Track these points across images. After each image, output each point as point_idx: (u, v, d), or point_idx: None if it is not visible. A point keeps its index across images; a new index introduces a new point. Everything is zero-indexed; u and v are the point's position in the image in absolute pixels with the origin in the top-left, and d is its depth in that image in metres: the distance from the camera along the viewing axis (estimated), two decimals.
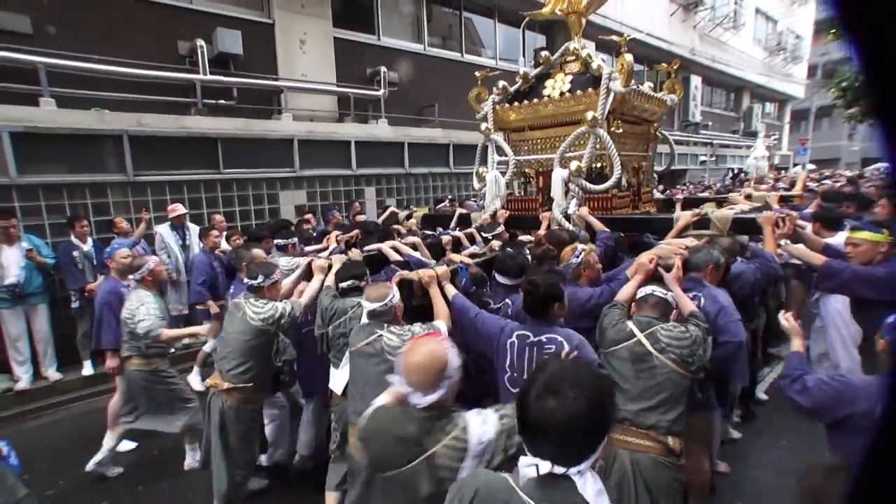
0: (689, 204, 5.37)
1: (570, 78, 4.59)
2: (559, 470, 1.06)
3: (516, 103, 4.82)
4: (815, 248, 3.24)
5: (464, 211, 5.20)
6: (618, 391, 2.13)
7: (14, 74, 5.36)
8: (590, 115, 4.09)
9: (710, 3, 16.42)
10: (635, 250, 3.45)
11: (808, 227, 3.59)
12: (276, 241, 4.02)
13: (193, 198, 6.53)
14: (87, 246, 5.06)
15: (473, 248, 3.86)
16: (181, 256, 5.51)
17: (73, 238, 4.99)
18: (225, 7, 7.06)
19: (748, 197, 5.27)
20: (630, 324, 2.23)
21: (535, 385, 1.11)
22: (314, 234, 5.38)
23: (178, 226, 5.61)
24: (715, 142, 18.75)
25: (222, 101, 6.91)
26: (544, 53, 4.98)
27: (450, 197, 9.04)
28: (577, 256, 2.96)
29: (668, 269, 2.50)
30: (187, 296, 5.37)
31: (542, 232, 3.85)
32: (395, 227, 4.90)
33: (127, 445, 3.83)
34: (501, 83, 5.07)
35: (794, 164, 23.65)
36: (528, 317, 2.32)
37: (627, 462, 2.12)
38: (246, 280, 2.91)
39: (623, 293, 2.48)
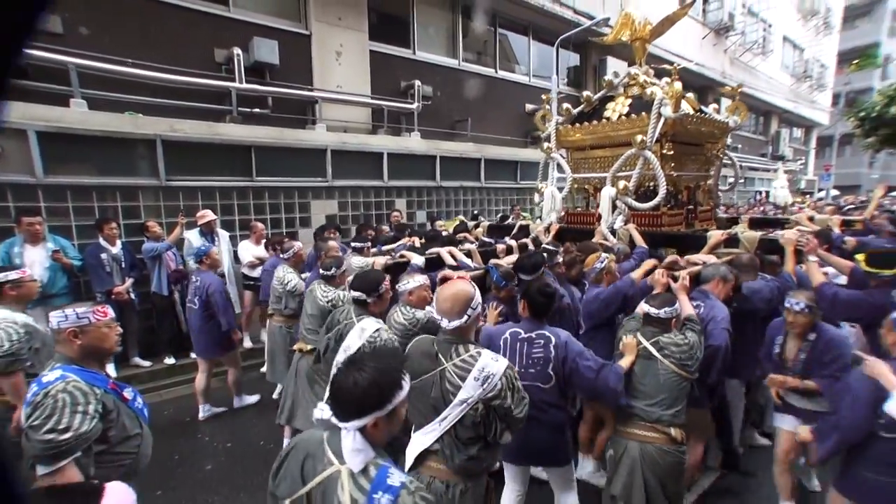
0: (755, 224, 5.47)
1: (629, 101, 4.88)
2: (335, 422, 1.30)
3: (578, 124, 5.14)
4: (842, 271, 3.43)
5: (525, 223, 5.58)
6: (629, 389, 2.53)
7: (44, 74, 5.26)
8: (639, 138, 4.40)
9: (741, 28, 16.30)
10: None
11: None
12: (352, 244, 4.51)
13: (225, 204, 6.35)
14: (116, 249, 4.88)
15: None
16: None
17: (101, 240, 4.80)
18: (262, 17, 7.02)
19: (811, 219, 5.31)
20: (639, 335, 2.62)
21: (349, 360, 1.39)
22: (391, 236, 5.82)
23: (207, 232, 5.41)
24: (744, 164, 18.35)
25: (257, 110, 6.80)
26: (607, 78, 5.32)
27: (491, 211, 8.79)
28: (601, 262, 3.40)
29: (676, 279, 2.95)
30: None
31: (575, 247, 4.12)
32: (463, 234, 5.35)
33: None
34: (566, 105, 5.43)
35: (819, 189, 23.35)
36: (524, 317, 2.62)
37: (636, 451, 2.47)
38: (321, 270, 3.53)
39: (640, 309, 2.76)
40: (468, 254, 3.96)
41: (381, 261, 3.58)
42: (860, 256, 3.16)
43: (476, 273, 3.30)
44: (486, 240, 4.94)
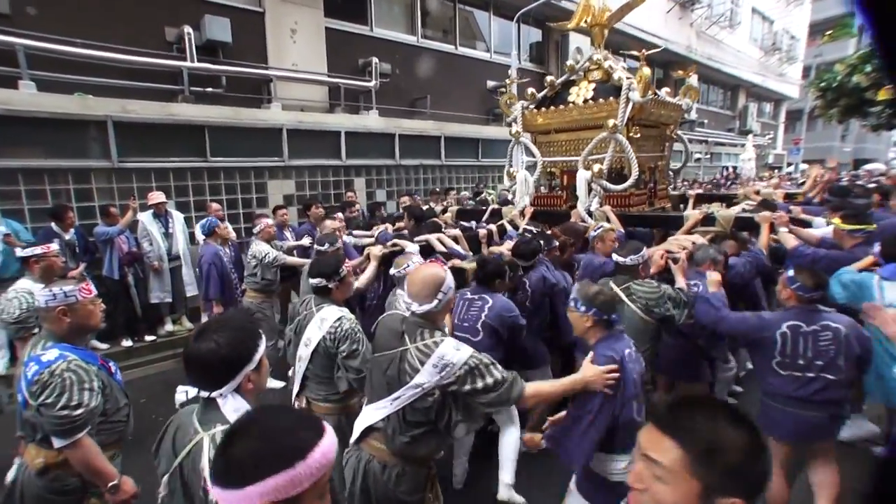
0: (700, 199, 5.95)
1: (593, 86, 5.03)
2: (205, 394, 1.32)
3: (543, 108, 5.26)
4: (811, 242, 3.62)
5: (496, 206, 5.56)
6: None
7: None
8: (610, 122, 4.54)
9: (707, 1, 16.38)
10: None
11: (818, 219, 3.99)
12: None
13: (180, 185, 6.49)
14: (69, 235, 5.00)
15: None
16: (164, 245, 5.47)
17: (53, 225, 4.93)
18: None
19: (757, 192, 5.75)
20: (610, 282, 2.84)
21: (198, 330, 1.36)
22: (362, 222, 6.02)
23: (161, 214, 5.56)
24: (710, 139, 18.79)
25: (210, 89, 6.86)
26: (569, 63, 5.43)
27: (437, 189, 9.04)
28: (596, 231, 3.70)
29: (676, 261, 3.07)
30: (170, 284, 5.38)
31: (556, 229, 4.21)
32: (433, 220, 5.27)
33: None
34: (530, 90, 5.51)
35: (788, 164, 23.83)
36: (476, 285, 3.10)
37: None
38: (317, 246, 3.54)
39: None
40: (455, 239, 3.97)
41: (376, 250, 3.47)
42: (836, 219, 3.43)
43: (469, 264, 3.37)
44: (465, 224, 4.96)
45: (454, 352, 1.78)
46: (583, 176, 4.72)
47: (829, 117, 13.16)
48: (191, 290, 5.67)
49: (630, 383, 1.93)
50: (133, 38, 6.24)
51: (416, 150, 9.41)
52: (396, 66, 9.11)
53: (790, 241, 3.55)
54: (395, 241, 3.80)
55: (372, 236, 4.72)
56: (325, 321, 2.44)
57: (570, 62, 5.43)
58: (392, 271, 3.01)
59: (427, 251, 3.71)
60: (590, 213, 4.56)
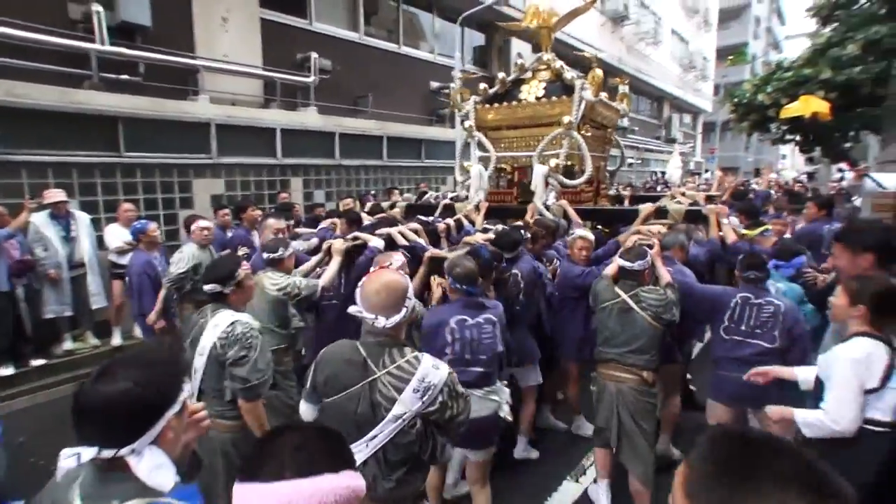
0: (635, 200, 6.35)
1: (543, 85, 5.18)
2: (108, 453, 0.97)
3: (496, 104, 5.36)
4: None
5: (448, 201, 5.46)
6: (606, 339, 2.85)
7: None
8: (566, 119, 4.69)
9: (635, 18, 17.32)
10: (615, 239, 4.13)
11: (733, 219, 4.35)
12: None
13: (86, 183, 5.73)
14: None
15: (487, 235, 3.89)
16: (62, 250, 4.71)
17: None
18: None
19: (683, 195, 6.16)
20: (617, 288, 2.84)
21: (97, 373, 1.04)
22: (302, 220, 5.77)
23: (60, 214, 4.80)
24: (641, 146, 19.87)
25: (126, 77, 6.10)
26: (519, 61, 5.60)
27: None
28: (570, 236, 3.73)
29: (651, 247, 3.08)
30: (70, 295, 4.66)
31: (528, 218, 4.29)
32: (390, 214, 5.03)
33: None
34: (482, 85, 5.58)
35: (706, 170, 25.95)
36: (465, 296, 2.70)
37: (614, 390, 2.79)
38: (264, 254, 3.10)
39: (609, 269, 3.01)
40: (416, 233, 3.78)
41: (338, 244, 3.31)
42: (746, 231, 3.98)
43: (447, 254, 3.15)
44: (424, 219, 4.74)
45: (434, 371, 1.60)
46: (539, 171, 4.72)
47: (741, 129, 14.42)
48: (98, 302, 4.94)
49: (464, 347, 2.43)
50: (25, 11, 5.35)
51: (358, 150, 9.06)
52: (338, 63, 8.68)
53: (731, 236, 3.88)
54: (356, 234, 3.65)
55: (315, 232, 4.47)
56: (217, 327, 2.25)
57: (520, 61, 5.59)
58: (373, 269, 2.78)
59: (389, 245, 3.54)
60: (547, 208, 4.58)
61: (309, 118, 8.19)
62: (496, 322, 2.57)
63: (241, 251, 4.61)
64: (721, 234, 3.94)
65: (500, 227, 4.10)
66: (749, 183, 14.88)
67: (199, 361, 2.27)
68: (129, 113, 6.01)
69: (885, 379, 1.82)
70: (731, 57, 30.57)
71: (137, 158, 6.23)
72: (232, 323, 2.24)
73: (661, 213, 4.27)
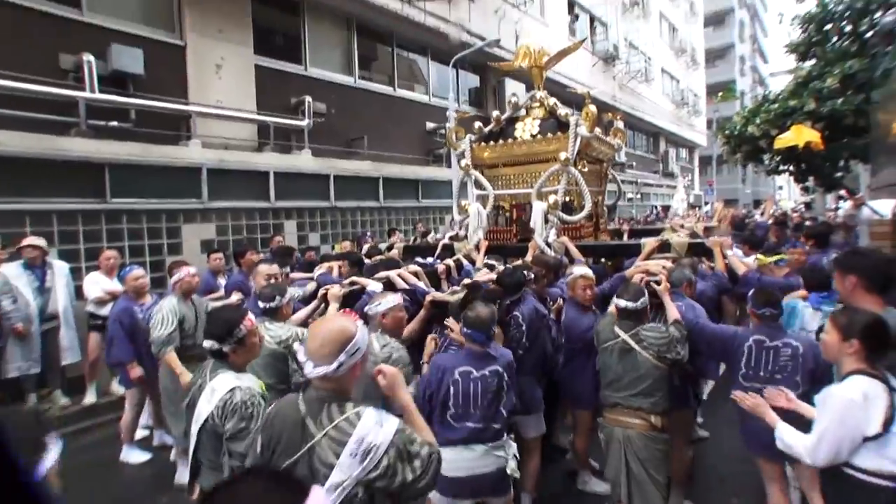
0: (634, 233, 6.40)
1: (537, 122, 5.20)
2: None
3: (492, 142, 5.35)
4: (738, 268, 3.92)
5: (447, 241, 5.39)
6: (610, 381, 2.71)
7: None
8: (563, 155, 4.68)
9: (625, 58, 17.74)
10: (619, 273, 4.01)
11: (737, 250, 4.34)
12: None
13: (67, 231, 5.55)
14: None
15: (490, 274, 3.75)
16: (34, 302, 4.41)
17: None
18: (125, 24, 6.30)
19: (682, 226, 6.42)
20: (616, 328, 2.70)
21: None
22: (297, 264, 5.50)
23: (34, 264, 4.53)
24: (639, 181, 19.91)
25: (115, 123, 6.03)
26: (513, 100, 5.63)
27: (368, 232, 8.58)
28: (566, 277, 3.53)
29: (658, 283, 2.99)
30: (39, 350, 4.33)
31: (528, 258, 4.10)
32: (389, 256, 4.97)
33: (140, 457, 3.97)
34: (477, 124, 5.61)
35: (706, 203, 26.06)
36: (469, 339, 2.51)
37: (621, 437, 2.63)
38: (260, 303, 2.86)
39: (612, 307, 2.89)
40: (416, 275, 3.63)
41: (335, 290, 3.12)
42: (760, 256, 3.98)
43: (452, 297, 2.96)
44: (423, 261, 4.63)
45: (377, 429, 1.37)
46: (539, 207, 4.67)
47: (734, 161, 14.55)
48: (70, 357, 4.61)
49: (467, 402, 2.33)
50: (16, 62, 5.35)
51: (353, 192, 8.94)
52: (332, 106, 8.71)
53: (741, 268, 3.76)
54: (354, 278, 3.53)
55: (311, 278, 4.19)
56: (214, 393, 1.95)
57: (514, 99, 5.63)
58: (365, 308, 2.66)
59: (388, 289, 3.34)
60: (548, 245, 4.49)
61: (303, 161, 8.12)
62: (503, 374, 2.42)
63: (235, 296, 4.37)
64: (727, 264, 3.85)
65: (502, 266, 3.96)
66: (751, 214, 14.88)
67: (195, 428, 2.01)
68: (116, 159, 5.91)
69: (889, 423, 1.63)
70: (720, 93, 31.56)
71: (124, 204, 6.09)
72: (231, 390, 1.93)
73: (664, 247, 4.19)
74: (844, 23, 9.58)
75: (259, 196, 7.63)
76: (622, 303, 2.71)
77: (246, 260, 5.03)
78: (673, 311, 2.82)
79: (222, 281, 5.21)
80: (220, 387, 1.95)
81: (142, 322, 3.85)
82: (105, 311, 4.58)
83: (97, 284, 4.66)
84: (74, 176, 5.55)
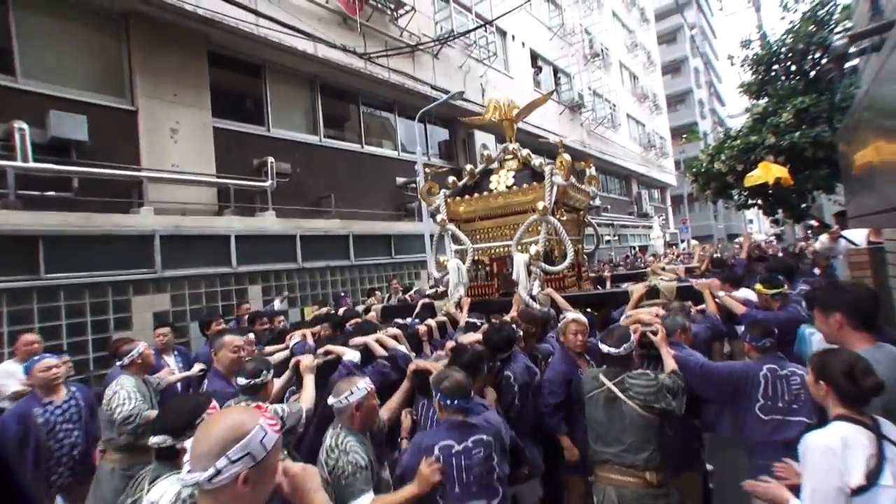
0: (616, 279, 6.34)
1: (512, 174, 5.18)
2: None
3: (467, 196, 5.29)
4: (736, 308, 3.79)
5: (427, 300, 5.25)
6: (597, 435, 2.54)
7: None
8: (541, 205, 4.61)
9: (591, 106, 18.31)
10: (609, 325, 3.81)
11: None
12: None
13: None
14: None
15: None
16: None
17: None
18: (67, 90, 6.04)
19: (663, 269, 6.35)
20: (601, 375, 2.58)
21: None
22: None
23: None
24: (615, 223, 20.02)
25: (52, 193, 5.62)
26: (484, 152, 5.73)
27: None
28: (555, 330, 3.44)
29: (655, 333, 2.79)
30: None
31: (514, 313, 3.94)
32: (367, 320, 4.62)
33: None
34: (451, 178, 5.59)
35: (682, 241, 26.41)
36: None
37: (614, 496, 2.44)
38: (240, 379, 2.46)
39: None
40: (396, 339, 3.37)
41: (307, 360, 2.82)
42: (758, 285, 3.80)
43: (435, 364, 2.73)
44: (401, 322, 4.43)
45: None
46: (520, 259, 4.56)
47: (705, 198, 14.83)
48: None
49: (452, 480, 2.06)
50: None
51: (322, 252, 8.54)
52: (297, 166, 8.49)
53: (738, 308, 3.66)
54: (328, 347, 3.21)
55: (286, 348, 3.84)
56: None
57: (485, 152, 5.70)
58: (331, 401, 2.21)
59: (365, 358, 3.14)
60: (533, 298, 4.35)
61: (267, 223, 7.75)
62: (491, 442, 2.20)
63: (196, 367, 4.01)
64: (720, 305, 3.77)
65: (483, 323, 3.73)
66: (727, 249, 14.95)
67: None
68: (52, 230, 5.44)
69: (874, 475, 1.48)
70: (684, 135, 33.04)
71: (62, 279, 5.56)
72: (182, 501, 1.48)
73: (652, 293, 4.09)
74: (789, 63, 9.99)
75: (220, 262, 7.17)
76: (605, 348, 2.58)
77: (212, 330, 4.73)
78: (670, 363, 2.65)
79: (170, 360, 4.66)
80: (160, 498, 1.50)
81: (42, 428, 3.20)
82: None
83: (13, 377, 4.01)
84: (1, 251, 5.05)
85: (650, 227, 22.21)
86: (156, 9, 6.58)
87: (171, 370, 4.31)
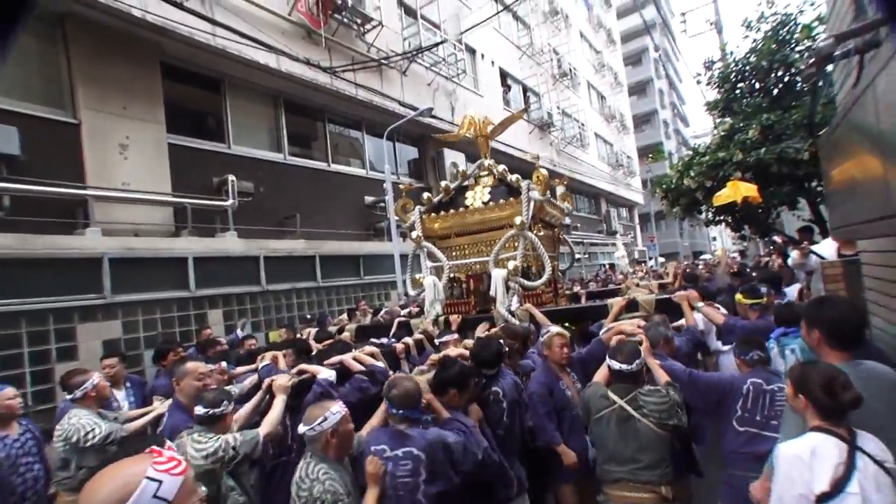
0: (591, 296, 6.46)
1: (487, 190, 5.18)
2: None
3: (442, 212, 5.25)
4: (713, 318, 3.82)
5: (403, 319, 5.15)
6: (609, 456, 2.47)
7: None
8: (518, 220, 4.58)
9: (559, 125, 18.63)
10: (587, 339, 3.88)
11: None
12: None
13: None
14: None
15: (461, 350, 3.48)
16: None
17: None
18: None
19: (637, 284, 6.48)
20: (611, 393, 2.50)
21: None
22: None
23: None
24: (585, 241, 20.22)
25: None
26: (461, 168, 5.91)
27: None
28: (542, 336, 3.35)
29: (640, 344, 2.75)
30: None
31: (495, 330, 3.89)
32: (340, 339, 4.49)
33: None
34: (426, 195, 5.54)
35: (650, 258, 26.95)
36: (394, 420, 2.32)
37: None
38: (200, 408, 2.40)
39: (599, 375, 2.72)
40: (373, 357, 3.35)
41: (282, 380, 2.78)
42: (739, 296, 3.94)
43: (421, 376, 2.71)
44: (377, 341, 4.24)
45: None
46: (499, 275, 4.53)
47: (675, 215, 15.03)
48: None
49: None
50: None
51: (287, 274, 8.19)
52: (260, 185, 8.19)
53: (717, 318, 3.67)
54: (303, 366, 3.13)
55: (255, 370, 3.77)
56: None
57: (454, 170, 5.82)
58: (302, 429, 2.09)
59: (341, 376, 3.10)
60: (511, 314, 4.33)
61: (228, 244, 7.39)
62: (420, 458, 2.11)
63: (157, 402, 3.69)
64: (698, 317, 3.85)
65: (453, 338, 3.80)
66: (697, 266, 15.24)
67: None
68: None
69: (841, 482, 1.50)
70: (651, 155, 34.09)
71: None
72: None
73: (631, 306, 4.09)
74: (753, 80, 10.25)
75: (176, 285, 6.75)
76: (616, 365, 2.53)
77: (169, 361, 4.43)
78: (661, 373, 2.64)
79: (119, 394, 4.27)
80: None
81: (2, 462, 3.00)
82: None
83: None
84: None
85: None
86: (97, 12, 6.15)
87: (120, 406, 4.01)
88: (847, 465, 1.53)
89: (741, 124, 9.68)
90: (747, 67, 10.08)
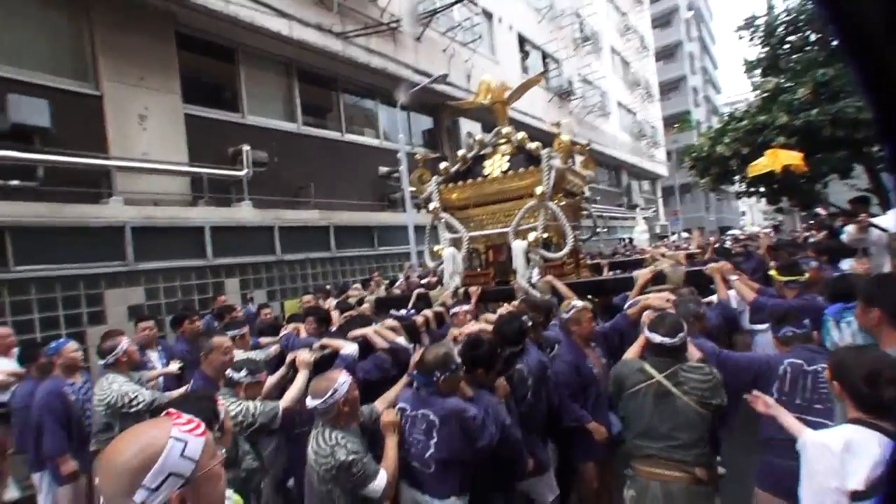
0: (614, 267, 6.21)
1: (506, 158, 5.00)
2: None
3: (460, 182, 5.11)
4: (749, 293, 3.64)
5: (422, 291, 5.02)
6: (642, 431, 2.33)
7: None
8: (539, 189, 4.45)
9: (580, 93, 18.10)
10: (610, 312, 3.83)
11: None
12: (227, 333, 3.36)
13: None
14: None
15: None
16: None
17: None
18: (24, 73, 5.78)
19: (663, 255, 6.13)
20: (648, 366, 2.35)
21: None
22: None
23: None
24: (605, 214, 19.94)
25: (16, 182, 5.45)
26: (478, 137, 5.43)
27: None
28: (568, 312, 3.17)
29: None
30: None
31: (516, 303, 3.80)
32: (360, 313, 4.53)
33: None
34: (443, 164, 5.40)
35: (672, 233, 26.30)
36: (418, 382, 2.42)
37: (659, 492, 2.25)
38: (229, 372, 2.57)
39: (632, 351, 2.62)
40: (394, 331, 3.33)
41: (305, 355, 2.82)
42: (773, 272, 3.65)
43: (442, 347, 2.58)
44: (397, 314, 4.25)
45: None
46: (519, 246, 4.43)
47: (703, 187, 14.17)
48: None
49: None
50: None
51: (301, 244, 8.42)
52: (274, 154, 8.31)
53: (748, 294, 3.51)
54: (325, 341, 3.16)
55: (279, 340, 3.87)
56: None
57: (470, 140, 5.43)
58: (313, 403, 2.08)
59: (364, 350, 3.12)
60: (532, 286, 4.25)
61: (243, 213, 7.61)
62: (434, 422, 2.21)
63: (174, 365, 4.05)
64: (729, 292, 3.66)
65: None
66: (724, 241, 14.68)
67: None
68: (20, 221, 5.32)
69: (879, 482, 1.36)
70: (676, 125, 32.56)
71: (32, 272, 5.44)
72: None
73: (658, 279, 3.95)
74: (808, 32, 9.27)
75: (194, 254, 7.04)
76: (657, 338, 2.34)
77: (186, 328, 4.66)
78: (693, 351, 2.51)
79: (153, 355, 4.51)
80: None
81: (76, 404, 3.39)
82: (5, 396, 3.88)
83: None
84: None
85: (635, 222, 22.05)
86: None
87: (155, 366, 4.22)
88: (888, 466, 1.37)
89: (788, 84, 8.73)
90: (802, 17, 8.96)
